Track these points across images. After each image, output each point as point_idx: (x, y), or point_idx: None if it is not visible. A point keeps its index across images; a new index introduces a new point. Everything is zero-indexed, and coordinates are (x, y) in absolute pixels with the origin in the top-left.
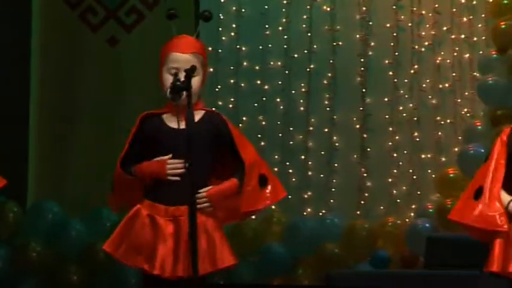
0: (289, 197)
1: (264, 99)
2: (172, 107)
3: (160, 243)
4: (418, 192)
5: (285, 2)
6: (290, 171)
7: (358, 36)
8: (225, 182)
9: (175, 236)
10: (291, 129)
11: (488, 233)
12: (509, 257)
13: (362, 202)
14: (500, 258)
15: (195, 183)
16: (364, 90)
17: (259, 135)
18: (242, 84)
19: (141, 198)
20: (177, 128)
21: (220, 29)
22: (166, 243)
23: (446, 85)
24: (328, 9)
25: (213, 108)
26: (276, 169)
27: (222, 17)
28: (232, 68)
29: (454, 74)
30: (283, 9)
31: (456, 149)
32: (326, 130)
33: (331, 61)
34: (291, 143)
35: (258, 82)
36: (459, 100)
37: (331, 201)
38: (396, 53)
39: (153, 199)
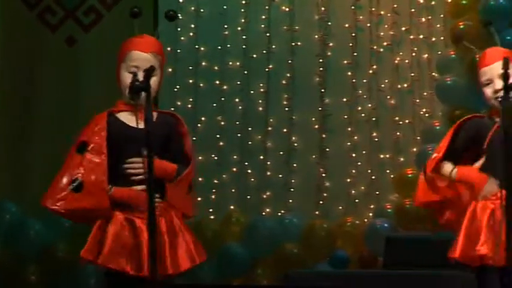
0: (248, 197)
1: (222, 99)
2: (127, 106)
3: (144, 244)
4: (377, 192)
5: (243, 2)
6: (249, 171)
7: (316, 36)
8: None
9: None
10: (250, 129)
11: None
12: (474, 242)
13: (321, 202)
14: (464, 244)
15: (153, 184)
16: (322, 90)
17: (218, 136)
18: (201, 84)
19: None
20: (136, 127)
21: (179, 29)
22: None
23: (405, 85)
24: (287, 9)
25: (172, 108)
26: (234, 169)
27: (180, 17)
28: (191, 68)
29: (412, 74)
30: (242, 10)
31: (415, 149)
32: (285, 130)
33: (289, 61)
34: (250, 143)
35: (217, 82)
36: (418, 100)
37: (290, 201)
38: (355, 53)
39: (123, 208)
